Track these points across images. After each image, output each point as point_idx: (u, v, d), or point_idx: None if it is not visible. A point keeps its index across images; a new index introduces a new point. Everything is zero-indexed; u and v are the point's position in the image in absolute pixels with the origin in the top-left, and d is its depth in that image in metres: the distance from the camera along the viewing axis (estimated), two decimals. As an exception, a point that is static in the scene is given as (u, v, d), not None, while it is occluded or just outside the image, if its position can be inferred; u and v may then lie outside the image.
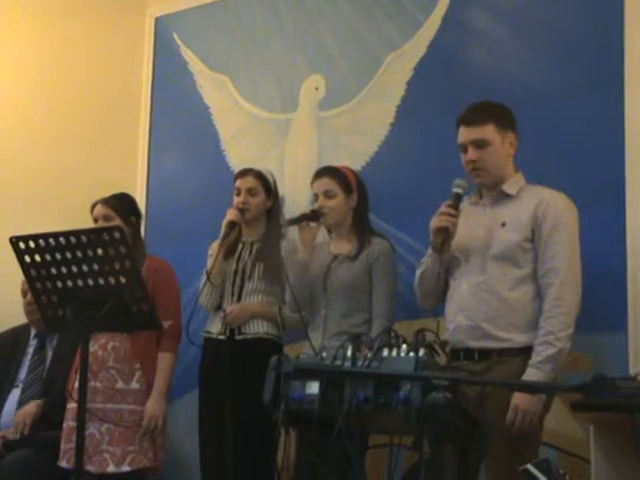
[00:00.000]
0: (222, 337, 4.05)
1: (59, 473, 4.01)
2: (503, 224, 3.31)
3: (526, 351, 3.19)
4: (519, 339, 3.23)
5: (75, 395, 3.95)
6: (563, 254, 3.21)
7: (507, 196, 3.36)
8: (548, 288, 3.20)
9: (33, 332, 4.61)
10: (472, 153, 3.32)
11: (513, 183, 3.37)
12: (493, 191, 3.39)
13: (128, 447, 4.01)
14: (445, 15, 4.25)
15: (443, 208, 3.29)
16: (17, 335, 4.65)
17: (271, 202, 4.18)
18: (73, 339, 4.15)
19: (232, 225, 4.05)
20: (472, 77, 4.11)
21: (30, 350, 4.58)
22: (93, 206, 4.26)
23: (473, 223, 3.35)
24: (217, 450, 3.95)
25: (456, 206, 3.28)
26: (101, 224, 4.17)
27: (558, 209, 3.27)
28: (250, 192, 4.13)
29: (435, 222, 3.29)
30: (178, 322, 4.13)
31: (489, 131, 3.31)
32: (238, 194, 4.13)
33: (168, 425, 4.34)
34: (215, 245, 4.12)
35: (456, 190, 3.31)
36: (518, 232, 3.27)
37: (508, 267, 3.27)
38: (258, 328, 4.05)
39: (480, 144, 3.31)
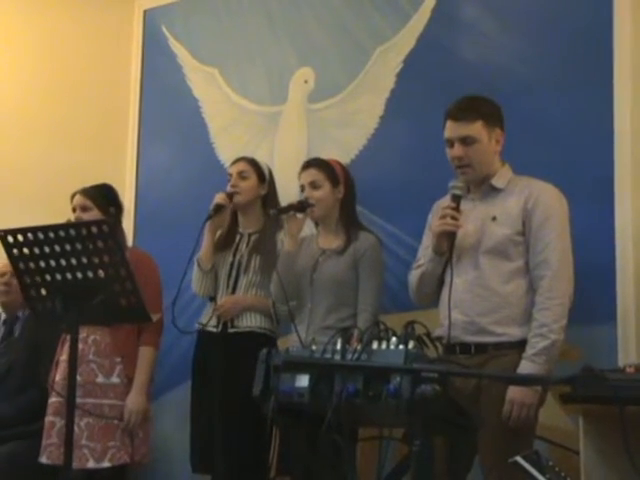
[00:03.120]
0: (214, 330, 4.05)
1: (45, 467, 4.00)
2: (494, 218, 3.31)
3: (522, 344, 3.20)
4: (515, 333, 3.23)
5: (56, 388, 3.96)
6: (554, 246, 3.22)
7: (496, 190, 3.36)
8: (540, 280, 3.21)
9: (2, 318, 4.60)
10: (458, 150, 3.32)
11: (501, 177, 3.37)
12: (481, 185, 3.39)
13: (108, 442, 3.98)
14: (435, 7, 4.24)
15: (447, 210, 3.27)
16: None
17: (265, 190, 4.15)
18: (53, 332, 4.14)
19: (218, 208, 4.04)
20: (461, 70, 4.10)
21: None
22: (73, 196, 4.25)
23: (463, 218, 3.32)
24: (208, 443, 3.95)
25: (458, 208, 3.28)
26: (78, 214, 4.17)
27: (548, 201, 3.28)
28: (240, 175, 4.12)
29: (440, 226, 3.28)
30: (161, 315, 4.11)
31: (477, 128, 3.31)
32: (230, 181, 4.14)
33: (157, 419, 4.33)
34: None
35: (455, 192, 3.30)
36: (509, 226, 3.28)
37: (500, 261, 3.28)
38: (251, 322, 4.04)
39: (467, 141, 3.30)
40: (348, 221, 3.89)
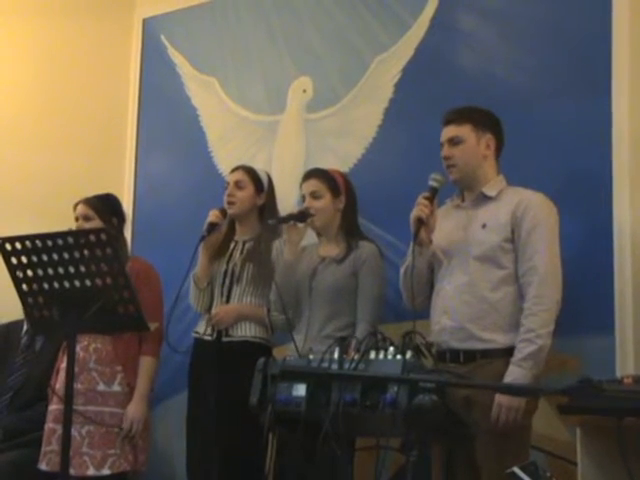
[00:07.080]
0: (209, 338, 4.04)
1: (45, 474, 4.00)
2: (483, 225, 3.36)
3: (509, 352, 3.22)
4: (502, 340, 3.26)
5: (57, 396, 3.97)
6: (542, 253, 3.25)
7: (487, 198, 3.41)
8: (528, 286, 3.24)
9: (24, 329, 4.59)
10: (446, 150, 3.43)
11: (493, 185, 3.42)
12: (473, 193, 3.44)
13: (108, 450, 3.98)
14: (433, 17, 4.24)
15: (420, 199, 3.35)
16: (9, 332, 4.64)
17: (262, 200, 4.15)
18: (56, 340, 4.14)
19: (211, 227, 4.03)
20: (460, 79, 4.11)
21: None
22: (76, 205, 4.25)
23: (453, 225, 3.40)
24: (204, 452, 3.94)
25: (432, 198, 3.35)
26: (80, 223, 4.17)
27: (536, 209, 3.31)
28: (237, 184, 4.12)
29: (414, 212, 3.35)
30: (161, 324, 4.11)
31: (464, 130, 3.41)
32: (227, 189, 4.13)
33: (156, 427, 4.33)
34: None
35: (431, 183, 3.39)
36: (498, 233, 3.32)
37: (490, 268, 3.32)
38: (245, 331, 4.03)
39: (454, 141, 3.41)
40: (349, 231, 3.89)
